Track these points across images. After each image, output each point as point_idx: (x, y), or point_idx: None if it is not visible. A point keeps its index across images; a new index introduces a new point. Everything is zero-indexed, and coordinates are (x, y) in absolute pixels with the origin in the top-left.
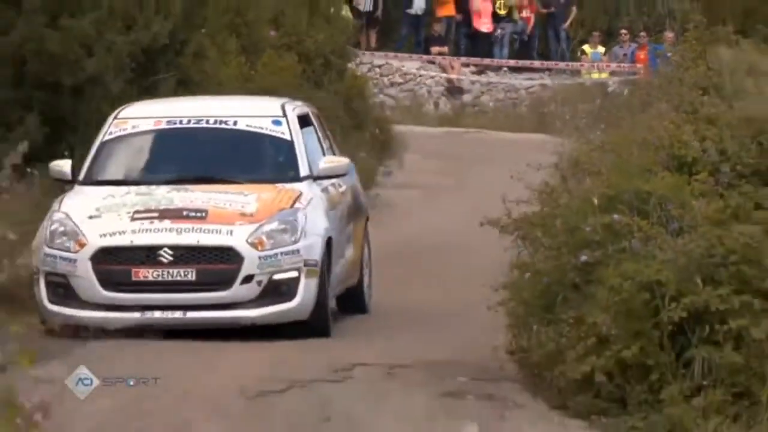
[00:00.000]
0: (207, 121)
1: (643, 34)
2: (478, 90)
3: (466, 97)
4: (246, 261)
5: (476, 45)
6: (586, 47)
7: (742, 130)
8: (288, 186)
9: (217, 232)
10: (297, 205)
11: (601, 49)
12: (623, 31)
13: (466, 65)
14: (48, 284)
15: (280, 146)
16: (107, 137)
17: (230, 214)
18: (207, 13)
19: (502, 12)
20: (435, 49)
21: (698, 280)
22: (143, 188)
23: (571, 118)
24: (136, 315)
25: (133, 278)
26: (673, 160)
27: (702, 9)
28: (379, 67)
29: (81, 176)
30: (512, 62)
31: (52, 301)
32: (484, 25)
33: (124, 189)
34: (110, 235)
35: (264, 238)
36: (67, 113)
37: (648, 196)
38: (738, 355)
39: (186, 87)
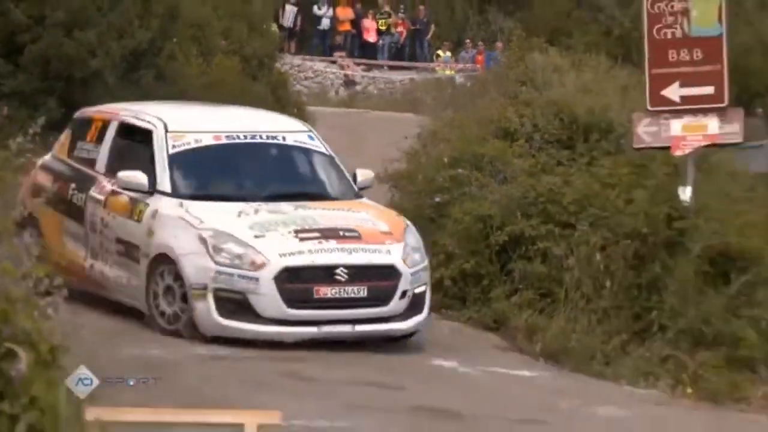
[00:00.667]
0: (260, 137)
1: (480, 43)
2: (366, 82)
3: (358, 87)
4: (402, 277)
5: (365, 51)
6: (440, 52)
7: (548, 110)
8: (363, 201)
9: (378, 251)
10: (406, 222)
11: (449, 53)
12: (467, 41)
13: (358, 65)
14: (219, 300)
15: (326, 161)
16: (174, 150)
17: (376, 233)
18: (177, 28)
19: (383, 28)
20: (336, 53)
21: (517, 215)
22: (263, 205)
23: (430, 102)
24: (314, 329)
25: (315, 296)
26: (500, 131)
27: (522, 26)
28: (297, 66)
29: (165, 188)
30: (390, 63)
31: (224, 316)
32: (371, 37)
33: (242, 205)
34: (289, 255)
35: (408, 255)
36: (77, 98)
37: (482, 156)
38: (544, 266)
39: (162, 80)
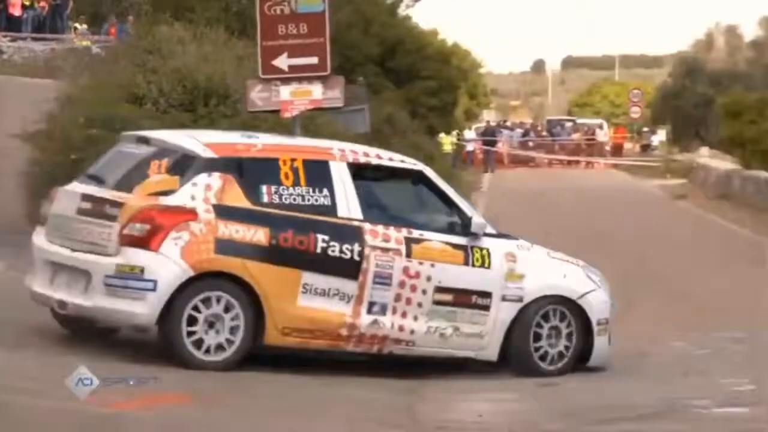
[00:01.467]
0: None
1: (114, 17)
2: (12, 51)
3: (5, 56)
4: None
5: (11, 24)
6: (77, 25)
7: (172, 77)
8: None
9: None
10: None
11: (86, 26)
12: (109, 15)
13: (4, 36)
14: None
15: None
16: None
17: None
18: None
19: (28, 3)
20: None
21: None
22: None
23: (69, 70)
24: None
25: None
26: (130, 95)
27: (150, 2)
28: None
29: (486, 230)
30: (33, 35)
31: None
32: (16, 11)
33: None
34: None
35: None
36: None
37: (115, 117)
38: None
39: None
